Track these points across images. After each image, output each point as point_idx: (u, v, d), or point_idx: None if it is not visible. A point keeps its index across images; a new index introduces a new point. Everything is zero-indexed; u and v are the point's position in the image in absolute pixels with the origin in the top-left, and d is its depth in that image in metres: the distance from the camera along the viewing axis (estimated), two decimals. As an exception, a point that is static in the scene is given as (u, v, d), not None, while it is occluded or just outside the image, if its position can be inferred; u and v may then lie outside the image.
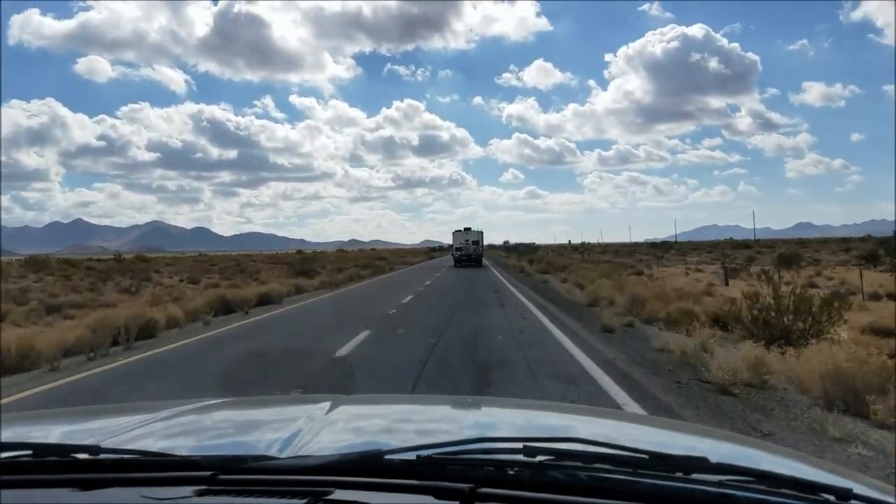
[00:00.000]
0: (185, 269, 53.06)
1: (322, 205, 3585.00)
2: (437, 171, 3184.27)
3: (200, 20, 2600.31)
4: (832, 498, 1.08)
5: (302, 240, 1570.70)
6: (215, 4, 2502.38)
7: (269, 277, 32.90)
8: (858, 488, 1.13)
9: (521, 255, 69.18)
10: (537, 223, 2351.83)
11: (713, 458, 1.16)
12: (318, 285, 29.06)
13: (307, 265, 41.07)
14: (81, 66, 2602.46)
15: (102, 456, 1.23)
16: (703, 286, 21.82)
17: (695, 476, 1.12)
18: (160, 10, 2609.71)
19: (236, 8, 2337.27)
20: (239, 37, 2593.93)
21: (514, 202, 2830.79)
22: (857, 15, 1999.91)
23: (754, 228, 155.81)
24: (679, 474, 1.13)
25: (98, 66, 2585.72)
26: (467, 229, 51.07)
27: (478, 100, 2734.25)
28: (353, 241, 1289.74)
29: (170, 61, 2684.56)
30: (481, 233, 51.86)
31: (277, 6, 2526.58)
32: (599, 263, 41.06)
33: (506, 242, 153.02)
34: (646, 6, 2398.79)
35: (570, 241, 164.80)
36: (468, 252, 49.54)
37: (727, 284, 25.20)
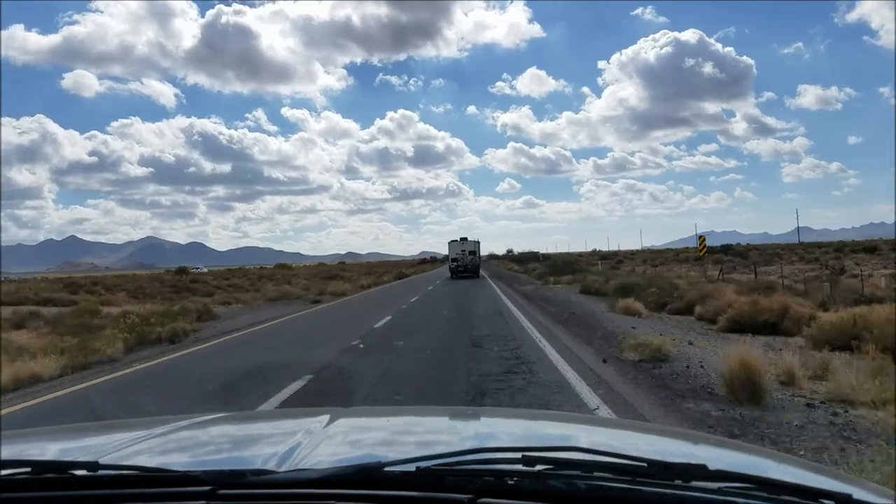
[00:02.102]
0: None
1: (318, 218, 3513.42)
2: (433, 181, 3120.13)
3: (188, 32, 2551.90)
4: (832, 503, 1.08)
5: (298, 253, 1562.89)
6: (202, 17, 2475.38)
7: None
8: (858, 493, 1.14)
9: (552, 272, 42.22)
10: (535, 232, 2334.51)
11: (712, 466, 1.16)
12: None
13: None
14: (68, 80, 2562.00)
15: (101, 472, 1.22)
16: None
17: (694, 483, 1.12)
18: (146, 23, 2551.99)
19: (223, 19, 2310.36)
20: (227, 48, 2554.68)
21: (511, 212, 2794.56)
22: (852, 17, 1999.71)
23: (798, 228, 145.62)
24: (678, 482, 1.13)
25: (85, 81, 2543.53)
26: (463, 239, 49.59)
27: (472, 109, 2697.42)
28: (350, 254, 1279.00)
29: (158, 74, 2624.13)
30: (478, 243, 50.51)
31: (265, 16, 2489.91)
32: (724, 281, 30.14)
33: (509, 252, 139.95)
34: (638, 10, 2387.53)
35: (596, 249, 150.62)
36: (464, 263, 48.23)
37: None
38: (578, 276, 35.62)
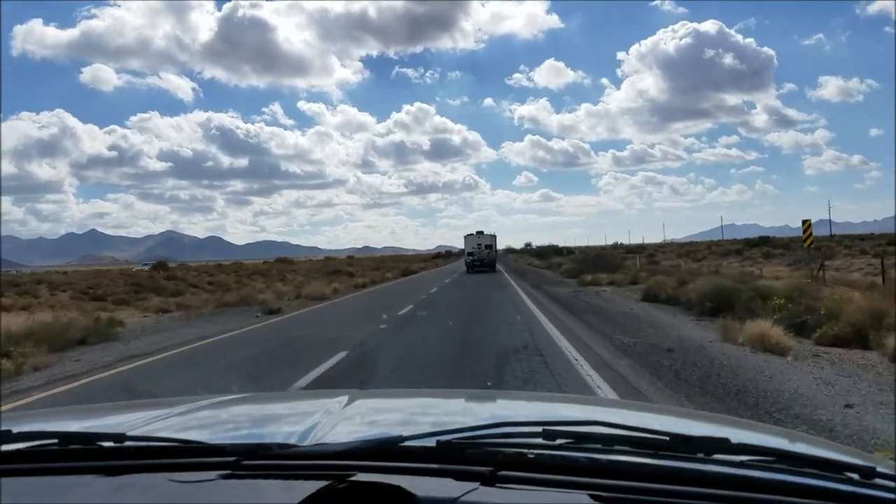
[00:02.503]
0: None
1: (335, 212, 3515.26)
2: (449, 175, 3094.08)
3: (205, 25, 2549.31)
4: (856, 476, 1.07)
5: (315, 247, 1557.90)
6: (219, 10, 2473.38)
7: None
8: (881, 467, 1.13)
9: (584, 269, 34.91)
10: (552, 226, 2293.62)
11: (734, 440, 1.15)
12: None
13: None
14: (87, 75, 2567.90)
15: (128, 444, 1.25)
16: None
17: (716, 457, 1.12)
18: (164, 17, 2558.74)
19: (240, 13, 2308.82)
20: (244, 42, 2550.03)
21: (528, 205, 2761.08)
22: (873, 8, 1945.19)
23: (830, 221, 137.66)
24: (700, 455, 1.12)
25: (103, 75, 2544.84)
26: (479, 233, 49.00)
27: (489, 101, 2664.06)
28: (366, 248, 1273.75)
29: (175, 69, 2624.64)
30: (494, 236, 49.38)
31: (281, 9, 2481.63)
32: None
33: (527, 245, 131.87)
34: (657, 1, 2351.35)
35: (617, 243, 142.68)
36: (481, 257, 47.52)
37: None
38: (620, 273, 28.67)
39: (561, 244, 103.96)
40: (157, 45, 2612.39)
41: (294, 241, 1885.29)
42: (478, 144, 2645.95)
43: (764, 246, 70.69)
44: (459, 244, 54.57)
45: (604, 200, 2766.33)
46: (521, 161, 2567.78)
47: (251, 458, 1.17)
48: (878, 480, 1.06)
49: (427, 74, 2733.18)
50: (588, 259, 40.72)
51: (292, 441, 1.29)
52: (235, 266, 70.93)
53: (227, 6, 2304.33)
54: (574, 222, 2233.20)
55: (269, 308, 19.12)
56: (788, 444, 1.56)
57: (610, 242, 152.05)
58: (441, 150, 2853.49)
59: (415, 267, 67.98)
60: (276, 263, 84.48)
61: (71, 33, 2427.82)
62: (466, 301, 20.42)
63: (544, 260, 64.22)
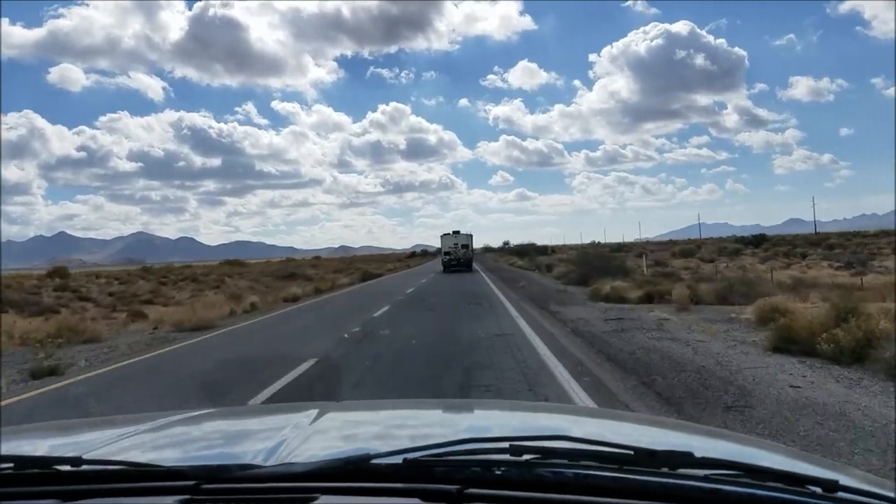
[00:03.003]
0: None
1: (311, 212, 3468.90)
2: (426, 174, 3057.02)
3: (175, 25, 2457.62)
4: (819, 490, 1.08)
5: (291, 247, 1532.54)
6: (189, 9, 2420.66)
7: None
8: (845, 480, 1.13)
9: (586, 272, 26.76)
10: (528, 225, 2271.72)
11: (699, 453, 1.16)
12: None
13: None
14: (54, 75, 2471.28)
15: (85, 467, 1.22)
16: None
17: (681, 471, 1.12)
18: (133, 16, 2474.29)
19: (211, 11, 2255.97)
20: (215, 41, 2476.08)
21: (504, 205, 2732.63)
22: (844, 7, 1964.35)
23: (815, 221, 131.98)
24: (665, 469, 1.13)
25: (72, 75, 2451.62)
26: (456, 232, 48.69)
27: (464, 102, 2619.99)
28: (343, 248, 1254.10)
29: (145, 68, 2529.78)
30: (470, 236, 49.29)
31: (253, 8, 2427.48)
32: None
33: (506, 244, 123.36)
34: (630, 2, 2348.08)
35: (595, 241, 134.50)
36: (457, 256, 47.28)
37: None
38: (633, 281, 21.10)
39: (539, 243, 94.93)
40: (126, 45, 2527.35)
41: (269, 242, 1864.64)
42: (454, 144, 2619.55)
43: (764, 244, 64.73)
44: (437, 243, 52.30)
45: (578, 200, 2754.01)
46: (496, 161, 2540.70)
47: (211, 481, 1.13)
48: (841, 494, 1.08)
49: (402, 74, 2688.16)
50: (586, 260, 31.70)
51: (258, 460, 1.28)
52: (165, 270, 60.90)
53: (197, 5, 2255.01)
54: (549, 221, 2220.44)
55: (47, 365, 9.83)
56: (754, 456, 1.57)
57: (587, 241, 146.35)
58: (417, 150, 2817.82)
59: (382, 269, 60.05)
60: (226, 266, 74.78)
61: (38, 33, 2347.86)
62: (424, 346, 10.78)
63: (527, 260, 56.56)
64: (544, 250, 78.26)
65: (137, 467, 1.23)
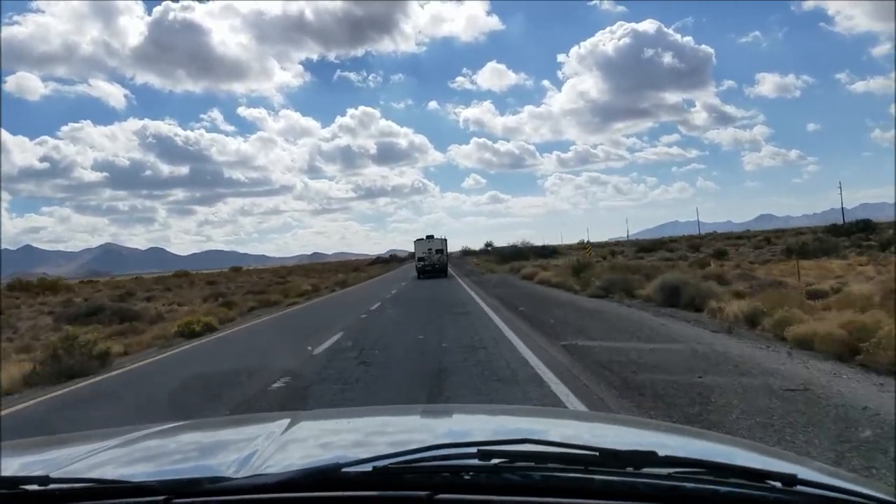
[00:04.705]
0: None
1: (283, 219, 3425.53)
2: (398, 179, 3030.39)
3: (134, 29, 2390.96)
4: (778, 484, 1.11)
5: (263, 255, 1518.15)
6: (149, 13, 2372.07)
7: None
8: (804, 473, 1.17)
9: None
10: (502, 227, 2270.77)
11: (662, 452, 1.19)
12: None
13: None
14: (11, 84, 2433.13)
15: (52, 486, 1.20)
16: None
17: (645, 470, 1.14)
18: (90, 22, 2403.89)
19: (171, 15, 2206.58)
20: (176, 45, 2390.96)
21: (477, 207, 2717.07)
22: (808, 5, 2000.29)
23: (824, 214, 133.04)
24: (629, 469, 1.15)
25: (29, 84, 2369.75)
26: (430, 237, 47.25)
27: (433, 104, 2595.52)
28: (316, 255, 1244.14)
29: (105, 75, 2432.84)
30: (445, 240, 47.58)
31: (215, 11, 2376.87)
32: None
33: (488, 246, 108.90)
34: (595, 1, 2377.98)
35: (584, 241, 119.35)
36: (432, 262, 45.66)
37: None
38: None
39: (534, 243, 75.87)
40: (84, 51, 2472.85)
41: (242, 250, 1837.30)
42: (425, 148, 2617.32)
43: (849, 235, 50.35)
44: (412, 248, 49.56)
45: (550, 201, 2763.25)
46: (468, 163, 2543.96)
47: (181, 495, 1.14)
48: (799, 487, 1.11)
49: (370, 78, 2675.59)
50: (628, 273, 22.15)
51: (230, 471, 1.28)
52: (75, 288, 55.66)
53: (156, 9, 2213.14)
54: (523, 223, 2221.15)
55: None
56: (717, 452, 1.60)
57: (566, 242, 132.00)
58: (388, 154, 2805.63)
59: (331, 281, 48.36)
60: (173, 278, 71.05)
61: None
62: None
63: (523, 264, 45.83)
64: (544, 251, 66.03)
65: (105, 484, 1.22)
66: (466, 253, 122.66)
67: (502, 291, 24.69)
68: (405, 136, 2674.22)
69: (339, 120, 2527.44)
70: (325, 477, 1.15)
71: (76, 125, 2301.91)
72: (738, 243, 63.91)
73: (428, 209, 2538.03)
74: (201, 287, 48.48)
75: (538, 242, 66.75)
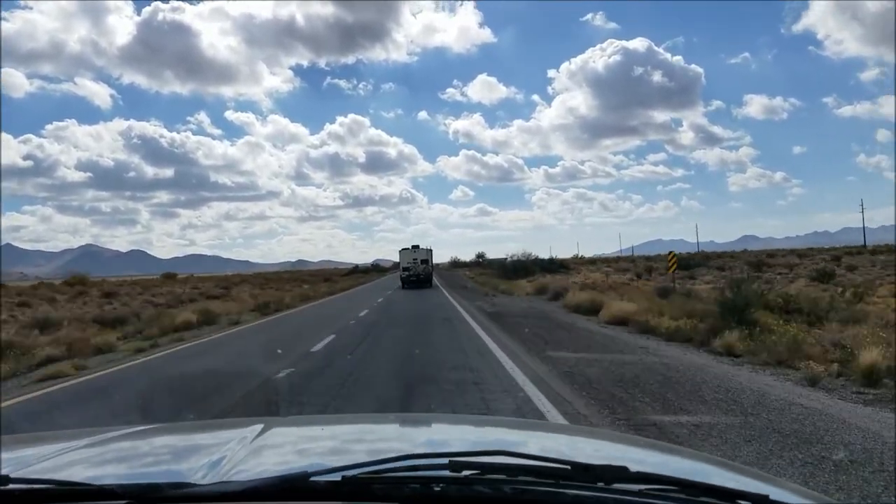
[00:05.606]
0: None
1: (269, 225, 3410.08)
2: (386, 188, 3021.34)
3: (123, 29, 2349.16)
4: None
5: (248, 261, 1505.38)
6: (138, 13, 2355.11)
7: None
8: (776, 493, 1.17)
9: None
10: (488, 240, 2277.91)
11: (634, 468, 1.17)
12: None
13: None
14: None
15: (11, 486, 1.16)
16: None
17: (615, 486, 1.13)
18: (79, 20, 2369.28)
19: (160, 16, 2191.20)
20: (165, 46, 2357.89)
21: (465, 219, 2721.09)
22: (797, 28, 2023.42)
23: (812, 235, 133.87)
24: (600, 484, 1.14)
25: (13, 80, 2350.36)
26: (415, 247, 47.23)
27: (423, 115, 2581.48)
28: (301, 262, 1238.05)
29: (92, 74, 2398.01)
30: (430, 250, 47.55)
31: (205, 13, 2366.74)
32: None
33: (480, 257, 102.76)
34: (588, 16, 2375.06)
35: (579, 255, 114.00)
36: (416, 272, 45.13)
37: None
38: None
39: (538, 255, 64.42)
40: (71, 49, 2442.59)
41: (225, 255, 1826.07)
42: (414, 158, 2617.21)
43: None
44: (398, 258, 49.15)
45: (537, 215, 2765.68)
46: (457, 175, 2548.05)
47: (143, 500, 1.11)
48: None
49: (360, 86, 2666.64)
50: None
51: (198, 477, 1.25)
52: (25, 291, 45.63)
53: (146, 10, 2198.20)
54: (509, 237, 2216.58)
55: None
56: (690, 469, 1.57)
57: (561, 256, 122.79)
58: (377, 163, 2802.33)
59: (290, 296, 34.79)
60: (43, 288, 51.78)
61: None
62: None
63: (527, 278, 38.67)
64: (553, 265, 57.39)
65: (66, 486, 1.18)
66: (456, 264, 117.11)
67: (464, 282, 20.86)
68: (394, 146, 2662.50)
69: (329, 127, 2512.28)
70: (291, 486, 1.12)
71: (61, 124, 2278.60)
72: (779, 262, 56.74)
73: (415, 219, 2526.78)
74: (84, 302, 33.98)
75: (524, 256, 56.78)
